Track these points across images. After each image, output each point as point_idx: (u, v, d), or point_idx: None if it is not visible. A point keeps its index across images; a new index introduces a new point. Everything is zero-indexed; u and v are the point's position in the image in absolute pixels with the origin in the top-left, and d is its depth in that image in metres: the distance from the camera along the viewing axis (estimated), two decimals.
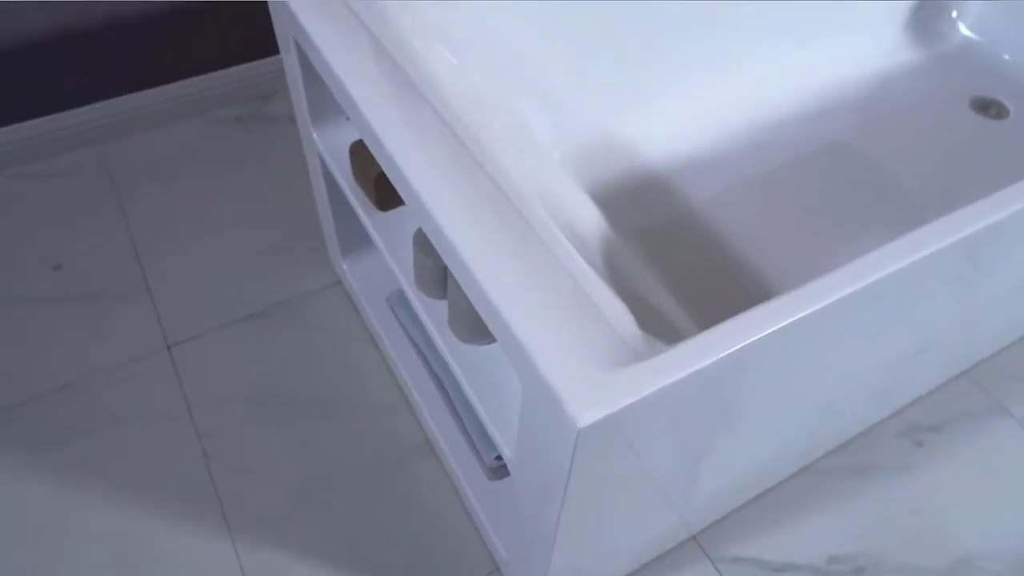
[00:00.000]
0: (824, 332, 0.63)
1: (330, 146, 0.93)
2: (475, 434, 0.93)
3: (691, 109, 1.25)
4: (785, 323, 0.56)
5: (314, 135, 0.94)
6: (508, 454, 0.69)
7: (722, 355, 0.54)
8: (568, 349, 0.52)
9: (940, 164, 1.24)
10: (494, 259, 0.58)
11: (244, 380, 1.10)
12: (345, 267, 1.14)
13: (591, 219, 0.98)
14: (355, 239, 1.11)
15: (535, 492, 0.66)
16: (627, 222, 1.14)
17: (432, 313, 0.79)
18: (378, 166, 0.83)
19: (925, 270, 0.67)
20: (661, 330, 0.93)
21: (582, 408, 0.49)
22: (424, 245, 0.76)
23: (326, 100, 0.91)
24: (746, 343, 0.55)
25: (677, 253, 1.10)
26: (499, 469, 0.93)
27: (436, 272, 0.76)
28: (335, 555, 0.95)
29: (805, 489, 1.02)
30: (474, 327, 0.74)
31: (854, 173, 1.22)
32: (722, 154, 1.23)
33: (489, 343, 0.76)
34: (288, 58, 0.88)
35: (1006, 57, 1.37)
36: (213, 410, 1.07)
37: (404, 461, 1.03)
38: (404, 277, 0.81)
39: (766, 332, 0.55)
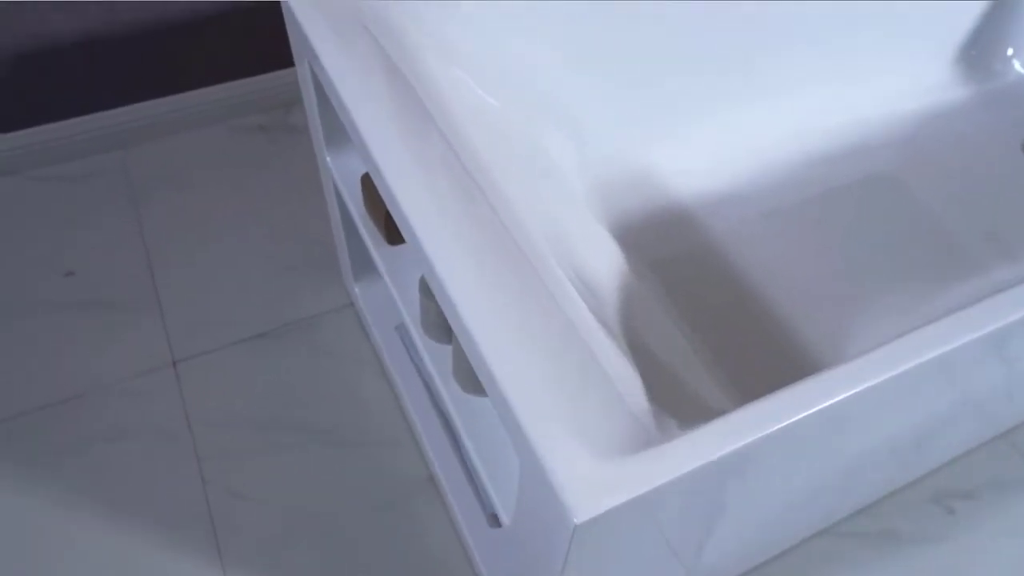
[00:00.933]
0: (860, 415, 0.60)
1: (343, 172, 0.91)
2: (478, 479, 0.91)
3: (726, 141, 1.21)
4: (820, 407, 0.53)
5: (328, 159, 0.92)
6: (505, 520, 0.66)
7: (742, 444, 0.50)
8: (570, 429, 0.49)
9: (986, 207, 1.19)
10: (493, 316, 0.55)
11: (248, 402, 1.09)
12: (357, 291, 1.12)
13: (609, 259, 0.95)
14: (368, 264, 1.10)
15: (532, 560, 0.63)
16: (651, 256, 1.10)
17: (436, 358, 0.76)
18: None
19: (989, 346, 0.63)
20: (675, 392, 0.89)
21: (580, 501, 0.46)
22: (429, 291, 0.73)
23: (339, 125, 0.89)
24: (767, 432, 0.51)
25: (700, 289, 1.07)
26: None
27: (441, 318, 0.74)
28: None
29: (822, 555, 0.98)
30: (478, 379, 0.71)
31: (893, 212, 1.18)
32: (756, 188, 1.19)
33: None
34: (303, 79, 0.86)
35: None
36: (214, 432, 1.06)
37: (405, 497, 1.01)
38: (410, 318, 0.79)
39: (792, 420, 0.52)
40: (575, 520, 0.46)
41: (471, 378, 0.72)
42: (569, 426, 0.49)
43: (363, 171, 0.90)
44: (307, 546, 0.96)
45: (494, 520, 0.90)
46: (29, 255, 1.24)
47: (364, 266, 1.10)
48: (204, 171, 1.38)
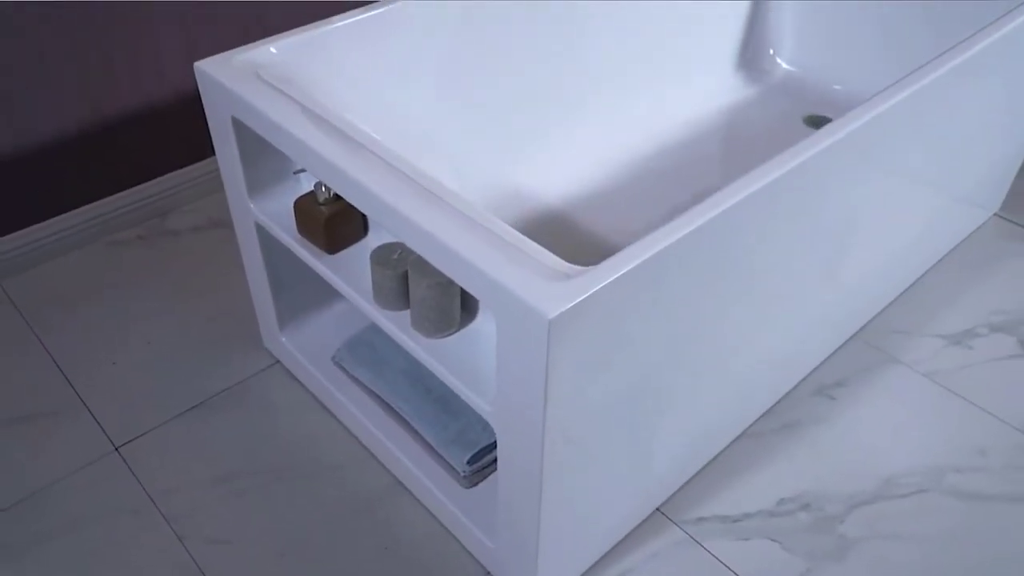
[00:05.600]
0: (704, 256, 0.88)
1: (268, 212, 1.13)
2: (443, 449, 1.10)
3: (576, 152, 1.54)
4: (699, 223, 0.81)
5: (252, 206, 1.13)
6: (488, 409, 0.87)
7: (632, 266, 0.77)
8: (527, 276, 0.74)
9: None
10: (458, 233, 0.79)
11: (201, 463, 1.22)
12: (284, 340, 1.30)
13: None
14: (293, 309, 1.29)
15: (518, 437, 0.84)
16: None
17: (396, 322, 0.97)
18: (325, 213, 1.03)
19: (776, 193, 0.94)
20: None
21: (548, 306, 0.71)
22: (382, 259, 0.96)
23: (263, 173, 1.11)
24: (658, 250, 0.78)
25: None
26: (472, 475, 1.09)
27: (394, 283, 0.96)
28: None
29: (746, 451, 1.23)
30: (438, 319, 0.93)
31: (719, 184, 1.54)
32: (608, 183, 1.52)
33: (451, 333, 0.95)
34: (222, 136, 1.08)
35: (823, 80, 1.76)
36: (177, 495, 1.18)
37: (376, 504, 1.17)
38: (364, 299, 1.00)
39: (674, 239, 0.80)
40: (548, 316, 0.69)
41: (430, 322, 0.93)
42: (526, 274, 0.74)
43: (292, 202, 1.12)
44: (297, 569, 1.09)
45: (468, 481, 1.09)
46: None
47: (290, 312, 1.29)
48: (92, 286, 1.52)
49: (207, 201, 1.72)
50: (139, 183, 1.65)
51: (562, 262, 0.78)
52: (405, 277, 0.96)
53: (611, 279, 0.75)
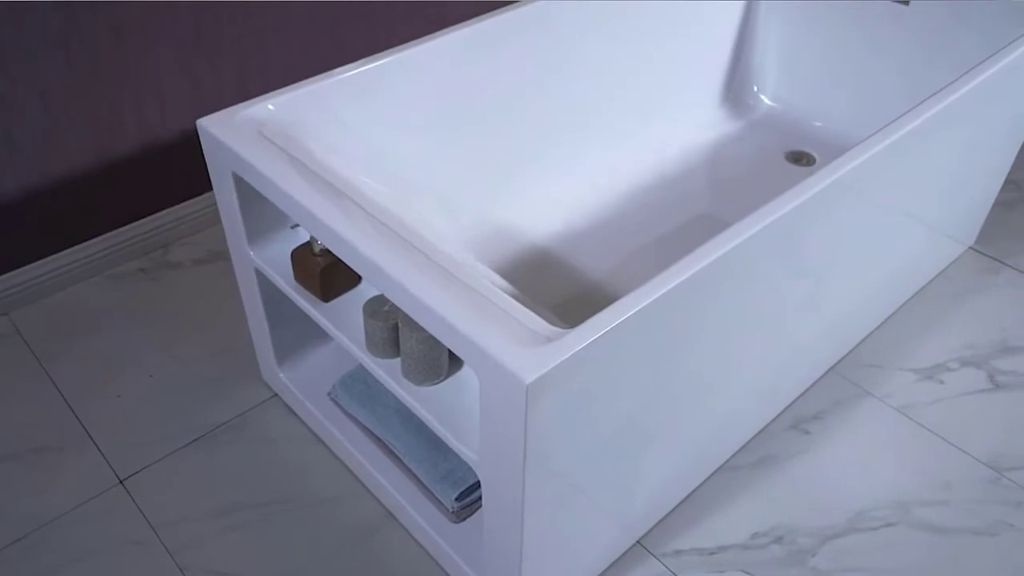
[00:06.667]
0: (680, 312, 0.94)
1: (267, 259, 1.19)
2: (433, 485, 1.16)
3: (565, 190, 1.61)
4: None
5: (251, 253, 1.19)
6: (473, 458, 0.93)
7: (609, 327, 0.83)
8: (506, 339, 0.80)
9: (763, 199, 1.65)
10: (440, 293, 0.86)
11: (202, 496, 1.28)
12: (282, 375, 1.36)
13: (497, 282, 1.27)
14: (290, 346, 1.35)
15: (501, 485, 0.91)
16: (527, 295, 1.44)
17: (387, 369, 1.04)
18: (320, 264, 1.09)
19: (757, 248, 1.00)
20: None
21: (526, 371, 0.77)
22: (374, 312, 1.02)
23: (262, 222, 1.18)
24: (634, 312, 0.84)
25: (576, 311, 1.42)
26: (460, 511, 1.15)
27: (386, 333, 1.02)
28: None
29: (724, 485, 1.30)
30: (426, 369, 0.99)
31: (709, 217, 1.60)
32: (603, 220, 1.59)
33: (439, 381, 1.02)
34: (223, 190, 1.15)
35: (804, 117, 1.83)
36: (179, 527, 1.24)
37: (370, 536, 1.23)
38: (356, 347, 1.07)
39: (652, 299, 0.86)
40: (526, 381, 0.76)
41: (419, 372, 1.00)
42: (505, 338, 0.80)
43: (290, 251, 1.18)
44: None
45: (456, 516, 1.15)
46: None
47: (287, 349, 1.35)
48: (96, 318, 1.58)
49: (207, 234, 1.79)
50: (142, 217, 1.71)
51: (542, 323, 0.84)
52: (396, 328, 1.02)
53: (590, 340, 0.82)
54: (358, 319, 1.11)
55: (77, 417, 1.40)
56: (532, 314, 0.85)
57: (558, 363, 0.79)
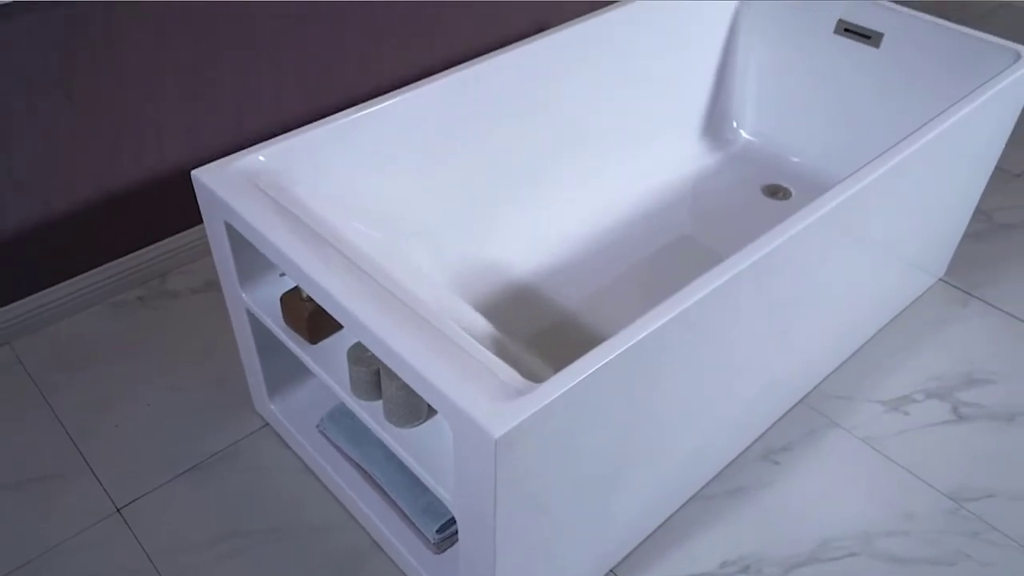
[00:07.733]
0: (650, 360, 1.00)
1: (258, 302, 1.25)
2: (415, 518, 1.22)
3: (548, 223, 1.67)
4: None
5: (243, 295, 1.26)
6: (449, 498, 0.99)
7: (578, 380, 0.89)
8: (476, 393, 0.86)
9: (742, 232, 1.71)
10: (414, 344, 0.92)
11: (197, 525, 1.34)
12: (273, 407, 1.43)
13: (479, 323, 1.34)
14: (281, 380, 1.41)
15: (474, 522, 0.97)
16: (513, 330, 1.51)
17: (369, 411, 1.10)
18: (308, 308, 1.16)
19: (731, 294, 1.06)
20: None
21: (495, 425, 0.83)
22: (357, 358, 1.08)
23: (253, 266, 1.24)
24: (602, 364, 0.91)
25: (556, 343, 1.48)
26: (441, 542, 1.21)
27: (368, 377, 1.08)
28: None
29: (695, 514, 1.36)
30: (406, 413, 1.06)
31: (687, 250, 1.66)
32: (584, 254, 1.65)
33: (419, 424, 1.08)
34: (216, 236, 1.21)
35: (781, 152, 1.89)
36: (173, 556, 1.30)
37: (359, 565, 1.29)
38: (341, 389, 1.13)
39: (618, 352, 0.92)
40: (494, 436, 0.82)
41: (400, 415, 1.06)
42: (477, 392, 0.86)
43: (279, 295, 1.24)
44: None
45: (437, 548, 1.22)
46: None
47: (278, 383, 1.41)
48: (95, 348, 1.64)
49: (204, 263, 1.85)
50: (140, 247, 1.77)
51: (515, 375, 0.90)
52: (378, 372, 1.09)
53: (561, 392, 0.88)
54: (344, 361, 1.18)
55: (76, 446, 1.46)
56: (505, 366, 0.92)
57: (528, 416, 0.85)
